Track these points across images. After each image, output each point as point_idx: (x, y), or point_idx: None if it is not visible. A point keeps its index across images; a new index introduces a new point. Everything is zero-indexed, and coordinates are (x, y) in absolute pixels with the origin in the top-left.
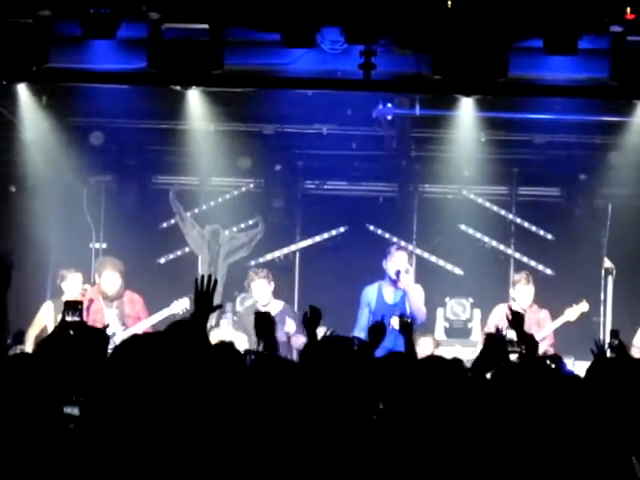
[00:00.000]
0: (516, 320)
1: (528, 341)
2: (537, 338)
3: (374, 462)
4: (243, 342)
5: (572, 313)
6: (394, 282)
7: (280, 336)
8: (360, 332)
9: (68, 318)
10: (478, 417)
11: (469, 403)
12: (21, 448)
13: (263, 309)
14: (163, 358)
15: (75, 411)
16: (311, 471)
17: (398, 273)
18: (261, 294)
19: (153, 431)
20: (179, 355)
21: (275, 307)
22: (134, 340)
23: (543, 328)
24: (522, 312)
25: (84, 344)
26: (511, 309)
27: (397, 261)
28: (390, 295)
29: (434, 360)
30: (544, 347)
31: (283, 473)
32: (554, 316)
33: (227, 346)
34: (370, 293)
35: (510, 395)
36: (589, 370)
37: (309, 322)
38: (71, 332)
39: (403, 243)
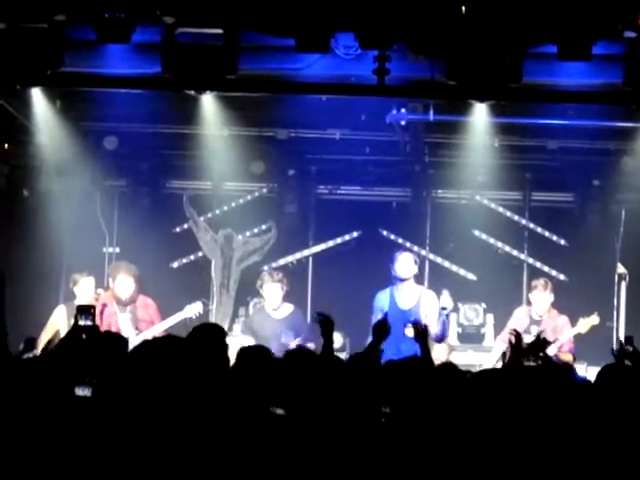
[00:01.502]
0: (517, 345)
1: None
2: (554, 344)
3: (382, 465)
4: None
5: (583, 325)
6: (403, 280)
7: (287, 340)
8: None
9: (81, 322)
10: (489, 423)
11: (480, 409)
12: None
13: (273, 313)
14: (177, 361)
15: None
16: (320, 473)
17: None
18: (272, 297)
19: (165, 431)
20: (198, 358)
21: (285, 310)
22: (146, 345)
23: (561, 334)
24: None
25: (99, 348)
26: (515, 335)
27: (403, 263)
28: (403, 300)
29: (447, 368)
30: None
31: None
32: (570, 322)
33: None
34: (382, 299)
35: (522, 401)
36: (599, 376)
37: (324, 329)
38: (84, 336)
39: (416, 248)
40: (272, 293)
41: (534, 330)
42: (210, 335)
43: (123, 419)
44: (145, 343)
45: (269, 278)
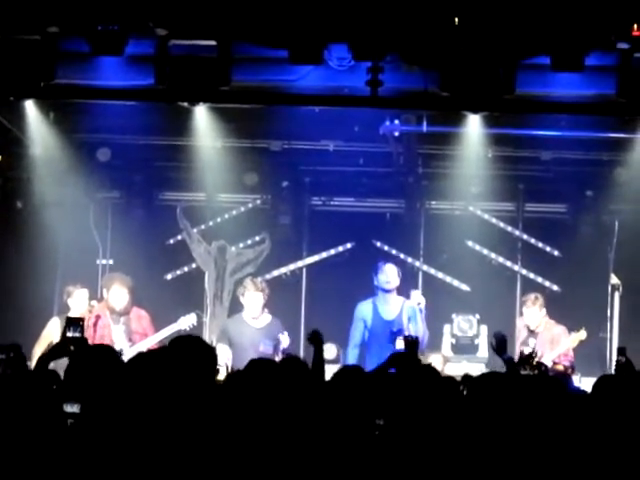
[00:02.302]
0: (499, 345)
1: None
2: (552, 355)
3: (376, 477)
4: (226, 353)
5: (572, 340)
6: (387, 291)
7: (266, 349)
8: (354, 348)
9: (69, 334)
10: (483, 434)
11: (473, 420)
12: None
13: (251, 322)
14: (167, 374)
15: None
16: None
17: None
18: (253, 306)
19: (157, 442)
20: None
21: (263, 320)
22: (140, 358)
23: (558, 344)
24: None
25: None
26: (496, 335)
27: (388, 274)
28: (387, 311)
29: (439, 379)
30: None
31: None
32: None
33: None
34: (364, 309)
35: (517, 412)
36: (595, 388)
37: (315, 343)
38: (72, 348)
39: (410, 259)
40: (253, 302)
41: (532, 342)
42: (198, 348)
43: (116, 430)
44: (140, 355)
45: (252, 286)
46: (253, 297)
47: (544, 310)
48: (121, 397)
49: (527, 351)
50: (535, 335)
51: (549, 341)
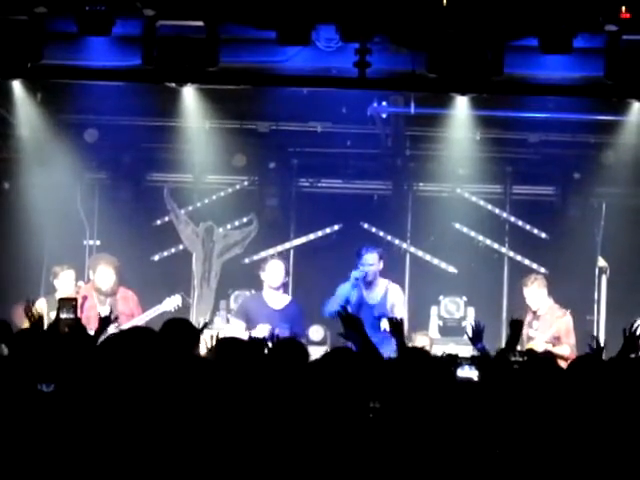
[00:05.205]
0: (476, 334)
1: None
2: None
3: (372, 460)
4: (241, 329)
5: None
6: (368, 283)
7: (282, 333)
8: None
9: (63, 315)
10: (475, 417)
11: (467, 403)
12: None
13: (270, 302)
14: (149, 352)
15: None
16: (310, 469)
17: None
18: (274, 275)
19: (132, 418)
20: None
21: (282, 301)
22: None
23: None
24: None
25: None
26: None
27: (365, 263)
28: (370, 296)
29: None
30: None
31: (282, 471)
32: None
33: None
34: (347, 289)
35: (508, 394)
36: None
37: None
38: (66, 329)
39: (397, 241)
40: (275, 270)
41: (535, 325)
42: (181, 330)
43: (92, 408)
44: (115, 335)
45: (274, 258)
46: (274, 265)
47: (545, 291)
48: (96, 375)
49: (533, 334)
50: (538, 318)
51: (549, 325)
